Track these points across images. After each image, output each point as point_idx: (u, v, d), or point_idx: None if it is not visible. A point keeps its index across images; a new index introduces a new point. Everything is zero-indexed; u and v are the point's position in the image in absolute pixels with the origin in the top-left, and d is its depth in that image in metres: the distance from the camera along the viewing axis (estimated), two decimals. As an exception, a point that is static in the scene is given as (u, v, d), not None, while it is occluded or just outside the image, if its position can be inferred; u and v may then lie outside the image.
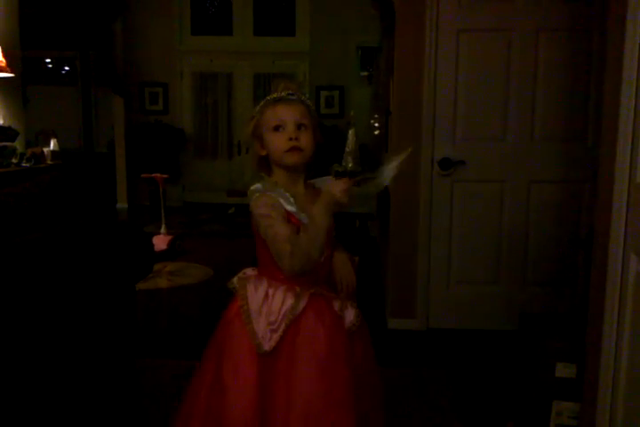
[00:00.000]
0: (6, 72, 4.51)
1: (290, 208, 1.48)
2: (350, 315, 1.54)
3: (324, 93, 7.87)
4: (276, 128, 1.50)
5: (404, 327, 3.37)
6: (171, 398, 2.45)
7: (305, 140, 1.50)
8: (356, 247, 2.83)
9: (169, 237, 5.11)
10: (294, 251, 1.40)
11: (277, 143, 1.49)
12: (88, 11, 7.06)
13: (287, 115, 1.50)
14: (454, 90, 3.28)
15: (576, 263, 3.21)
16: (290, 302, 1.47)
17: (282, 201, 1.48)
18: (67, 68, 9.07)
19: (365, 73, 7.84)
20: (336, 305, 1.53)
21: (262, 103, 1.54)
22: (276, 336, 1.44)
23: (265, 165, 1.56)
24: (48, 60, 9.01)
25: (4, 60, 4.49)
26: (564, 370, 2.09)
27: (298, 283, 1.49)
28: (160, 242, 4.90)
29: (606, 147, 1.87)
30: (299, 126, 1.50)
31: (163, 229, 5.17)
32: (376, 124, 6.22)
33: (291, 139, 1.48)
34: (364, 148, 6.13)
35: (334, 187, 1.44)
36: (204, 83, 8.12)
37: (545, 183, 3.31)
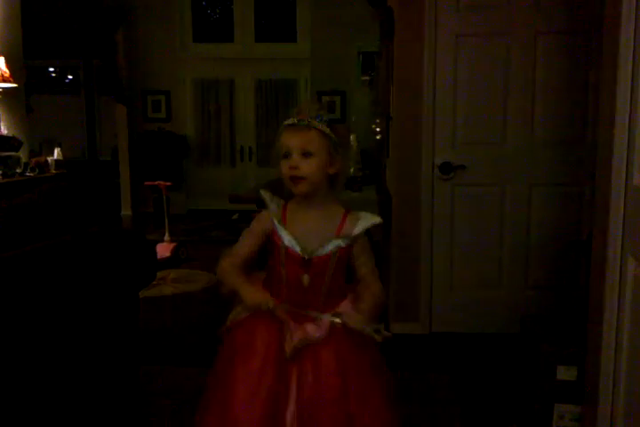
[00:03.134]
0: (10, 82, 4.55)
1: (279, 230, 1.54)
2: (313, 328, 1.52)
3: (325, 99, 7.88)
4: (285, 155, 1.52)
5: (407, 331, 3.37)
6: (174, 405, 2.47)
7: (308, 167, 1.50)
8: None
9: (173, 245, 5.12)
10: (221, 265, 1.58)
11: (284, 171, 1.52)
12: (91, 20, 7.12)
13: (292, 142, 1.51)
14: (454, 94, 3.29)
15: (577, 266, 3.21)
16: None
17: (275, 223, 1.55)
18: (70, 77, 9.14)
19: (366, 78, 7.86)
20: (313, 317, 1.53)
21: (280, 128, 1.56)
22: None
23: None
24: (51, 70, 9.07)
25: (7, 71, 4.53)
26: (565, 373, 2.10)
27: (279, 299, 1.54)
28: (164, 249, 4.92)
29: (603, 150, 1.88)
30: (304, 154, 1.50)
31: (166, 237, 5.19)
32: (377, 129, 6.23)
33: (291, 168, 1.50)
34: (365, 153, 6.17)
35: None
36: (207, 89, 8.16)
37: (545, 186, 3.32)
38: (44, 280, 1.63)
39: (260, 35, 8.10)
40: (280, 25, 8.17)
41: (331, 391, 1.49)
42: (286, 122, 1.54)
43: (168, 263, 4.87)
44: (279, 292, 1.56)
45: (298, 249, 1.53)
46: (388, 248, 3.54)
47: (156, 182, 5.29)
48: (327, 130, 1.52)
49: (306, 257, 1.52)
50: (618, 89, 1.73)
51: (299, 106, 1.56)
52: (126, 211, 7.78)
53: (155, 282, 3.56)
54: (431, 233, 3.37)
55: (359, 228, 1.55)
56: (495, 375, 2.84)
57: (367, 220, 1.57)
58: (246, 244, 1.60)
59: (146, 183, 5.47)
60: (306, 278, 1.53)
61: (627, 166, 1.71)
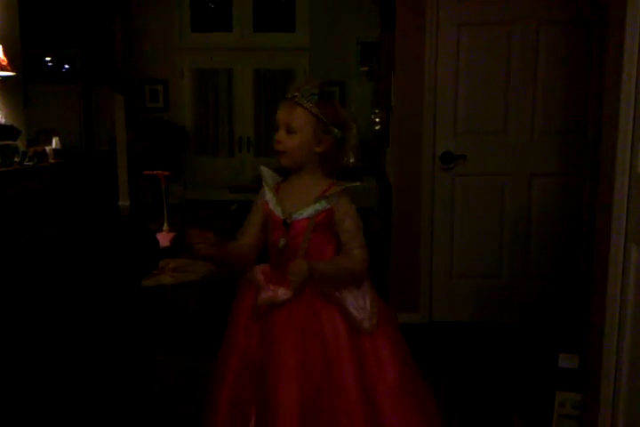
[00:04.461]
0: (7, 71, 4.52)
1: (268, 198, 1.60)
2: (283, 291, 1.53)
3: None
4: (276, 129, 1.56)
5: (408, 321, 3.36)
6: (175, 392, 2.48)
7: (289, 142, 1.53)
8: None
9: (171, 234, 5.12)
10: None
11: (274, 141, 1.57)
12: (88, 9, 7.06)
13: (280, 116, 1.55)
14: (455, 84, 3.28)
15: (578, 255, 3.22)
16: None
17: (267, 191, 1.61)
18: (67, 66, 9.07)
19: (366, 68, 7.83)
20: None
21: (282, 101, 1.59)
22: None
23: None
24: (48, 59, 9.01)
25: (5, 59, 4.50)
26: (566, 361, 2.11)
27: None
28: (163, 239, 4.90)
29: (607, 138, 1.88)
30: (288, 130, 1.54)
31: (165, 227, 5.19)
32: (377, 120, 6.22)
33: (275, 141, 1.55)
34: (364, 143, 6.14)
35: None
36: (205, 79, 8.11)
37: (546, 176, 3.32)
38: (47, 268, 1.62)
39: (259, 24, 8.05)
40: (279, 15, 8.13)
41: (282, 356, 1.50)
42: (287, 95, 1.57)
43: (167, 253, 4.87)
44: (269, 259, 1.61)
45: (279, 212, 1.56)
46: (389, 238, 3.55)
47: (155, 172, 5.28)
48: (314, 109, 1.52)
49: (287, 220, 1.55)
50: (622, 77, 1.73)
51: (297, 81, 1.60)
52: (124, 201, 7.76)
53: (154, 272, 3.56)
54: (432, 223, 3.37)
55: (336, 188, 1.55)
56: (496, 364, 2.85)
57: (346, 184, 1.57)
58: (251, 222, 1.64)
59: (144, 173, 5.46)
60: (282, 241, 1.55)
61: (631, 154, 1.71)
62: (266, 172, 1.63)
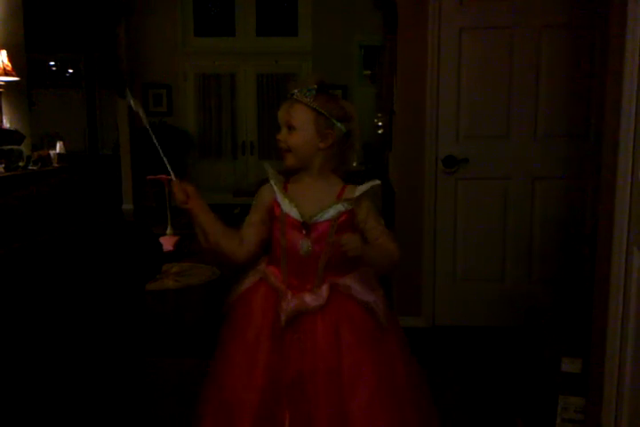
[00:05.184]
0: (12, 76, 4.55)
1: (279, 198, 1.53)
2: (310, 298, 1.49)
3: (327, 93, 7.88)
4: (280, 128, 1.54)
5: (410, 325, 3.37)
6: (177, 396, 2.48)
7: (291, 139, 1.50)
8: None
9: (175, 238, 5.13)
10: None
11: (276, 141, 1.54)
12: (92, 13, 7.10)
13: (280, 116, 1.53)
14: (457, 88, 3.29)
15: (581, 259, 3.22)
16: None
17: (276, 191, 1.54)
18: (71, 70, 9.11)
19: (368, 72, 7.84)
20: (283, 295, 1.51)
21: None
22: None
23: None
24: (52, 64, 9.05)
25: (9, 64, 4.53)
26: (569, 365, 2.11)
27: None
28: (166, 243, 4.92)
29: (608, 142, 1.88)
30: (289, 127, 1.51)
31: (169, 230, 5.20)
32: (379, 124, 6.23)
33: (277, 140, 1.53)
34: (367, 147, 6.14)
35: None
36: (208, 84, 8.14)
37: (549, 180, 3.32)
38: (51, 272, 1.63)
39: (262, 29, 8.08)
40: (281, 19, 8.15)
41: (325, 362, 1.46)
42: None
43: (171, 257, 4.88)
44: (279, 264, 1.54)
45: (296, 214, 1.50)
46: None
47: (159, 176, 5.28)
48: (313, 103, 1.49)
49: (307, 222, 1.49)
50: (624, 81, 1.73)
51: (297, 80, 1.56)
52: (128, 205, 7.78)
53: (158, 276, 3.57)
54: (434, 227, 3.37)
55: (360, 189, 1.51)
56: (499, 368, 2.85)
57: (366, 184, 1.53)
58: (250, 222, 1.58)
59: (148, 177, 5.47)
60: (306, 244, 1.49)
61: (632, 158, 1.71)
62: (270, 170, 1.57)
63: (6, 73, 4.49)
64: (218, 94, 8.18)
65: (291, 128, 1.50)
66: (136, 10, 7.55)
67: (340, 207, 1.50)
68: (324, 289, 1.49)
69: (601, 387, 1.82)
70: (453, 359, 2.98)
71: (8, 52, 4.55)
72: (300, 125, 1.50)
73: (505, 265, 3.39)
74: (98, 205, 2.08)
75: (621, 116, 1.74)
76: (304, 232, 1.50)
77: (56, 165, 4.95)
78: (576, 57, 3.20)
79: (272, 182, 1.55)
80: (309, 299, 1.48)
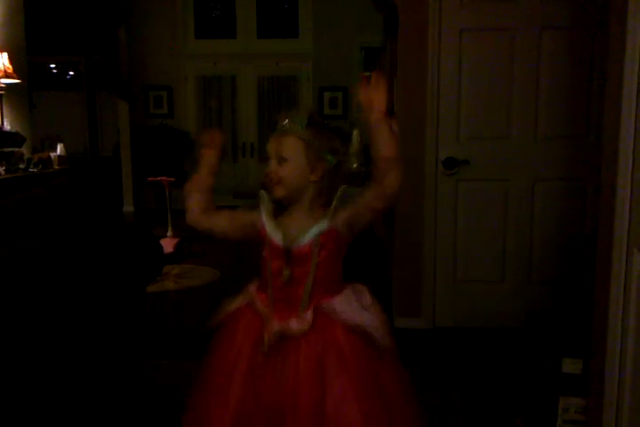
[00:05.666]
0: (13, 78, 4.56)
1: (265, 221, 1.51)
2: (294, 322, 1.46)
3: (327, 95, 7.89)
4: (269, 161, 1.51)
5: (411, 326, 3.38)
6: (177, 399, 2.48)
7: (282, 171, 1.47)
8: (360, 247, 2.84)
9: (175, 240, 5.14)
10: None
11: (264, 174, 1.51)
12: (93, 16, 7.11)
13: (270, 148, 1.50)
14: (458, 89, 3.29)
15: (581, 260, 3.22)
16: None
17: (264, 214, 1.52)
18: (71, 73, 9.12)
19: (368, 73, 7.85)
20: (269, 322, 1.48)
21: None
22: None
23: None
24: (53, 66, 9.05)
25: (10, 67, 4.53)
26: (570, 366, 2.11)
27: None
28: (167, 245, 4.93)
29: (609, 143, 1.88)
30: (279, 160, 1.48)
31: (169, 232, 5.21)
32: (380, 125, 6.22)
33: (266, 173, 1.49)
34: (368, 148, 6.16)
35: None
36: (208, 86, 8.16)
37: (549, 181, 3.32)
38: (52, 274, 1.63)
39: (262, 31, 8.09)
40: (282, 21, 8.17)
41: (306, 393, 1.41)
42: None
43: (171, 259, 4.88)
44: (266, 289, 1.52)
45: (278, 237, 1.48)
46: (392, 243, 3.55)
47: (160, 178, 5.29)
48: (304, 135, 1.46)
49: (287, 247, 1.46)
50: (624, 82, 1.73)
51: (286, 112, 1.51)
52: (128, 207, 7.79)
53: (158, 277, 3.57)
54: (435, 228, 3.37)
55: (333, 204, 1.47)
56: (500, 369, 2.85)
57: (336, 195, 1.48)
58: (232, 212, 1.59)
59: (149, 179, 5.48)
60: (286, 273, 1.47)
61: (633, 159, 1.71)
62: (265, 196, 1.54)
63: (7, 75, 4.50)
64: (218, 96, 8.20)
65: (281, 160, 1.47)
66: (137, 12, 7.57)
67: (318, 228, 1.46)
68: (309, 313, 1.46)
69: (602, 388, 1.82)
70: (454, 361, 2.98)
71: (9, 55, 4.55)
72: (292, 157, 1.47)
73: (505, 266, 3.39)
74: (98, 207, 2.08)
75: (621, 117, 1.75)
76: (285, 258, 1.47)
77: (57, 167, 4.96)
78: (576, 58, 3.21)
79: (262, 205, 1.53)
80: (293, 323, 1.45)
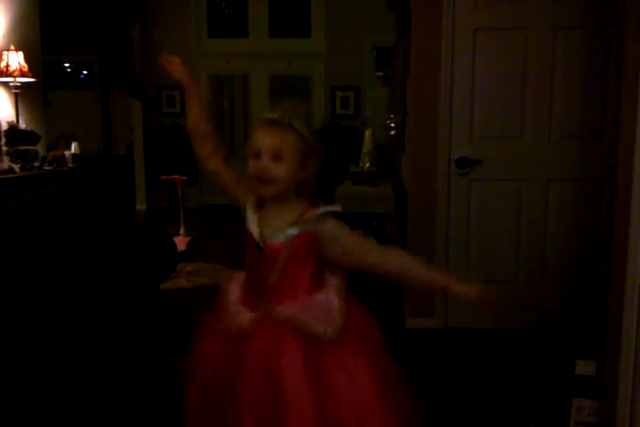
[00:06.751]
0: (28, 77, 4.60)
1: (249, 215, 1.49)
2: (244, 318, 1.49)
3: (339, 94, 7.89)
4: (256, 155, 1.42)
5: (423, 326, 3.37)
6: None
7: (278, 171, 1.39)
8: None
9: (188, 238, 5.16)
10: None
11: (251, 171, 1.43)
12: (106, 15, 7.15)
13: (265, 142, 1.41)
14: (471, 89, 3.28)
15: (595, 261, 3.20)
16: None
17: (248, 207, 1.49)
18: (85, 72, 9.18)
19: (381, 73, 7.84)
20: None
21: (258, 122, 1.46)
22: None
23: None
24: (67, 65, 9.13)
25: (25, 66, 4.57)
26: (584, 367, 2.09)
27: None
28: (179, 243, 4.95)
29: (625, 143, 1.87)
30: (275, 157, 1.39)
31: (181, 231, 5.23)
32: (392, 125, 6.22)
33: (259, 170, 1.41)
34: (380, 148, 6.15)
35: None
36: (221, 85, 8.18)
37: (563, 182, 3.30)
38: (66, 272, 1.64)
39: (275, 30, 8.10)
40: (294, 20, 8.17)
41: (264, 365, 1.41)
42: (266, 115, 1.43)
43: (183, 257, 4.90)
44: (244, 280, 1.55)
45: (256, 232, 1.45)
46: (404, 243, 3.54)
47: (172, 177, 5.32)
48: (307, 134, 1.40)
49: (260, 243, 1.44)
50: (640, 82, 1.72)
51: (280, 103, 1.45)
52: (141, 205, 7.83)
53: (171, 275, 3.59)
54: (447, 228, 3.36)
55: (315, 212, 1.42)
56: (512, 370, 2.84)
57: (325, 207, 1.43)
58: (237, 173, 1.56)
59: (162, 177, 5.50)
60: (257, 265, 1.47)
61: (649, 160, 1.70)
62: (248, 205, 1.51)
63: (23, 74, 4.54)
64: (231, 95, 8.22)
65: (277, 158, 1.39)
66: (150, 12, 7.60)
67: (292, 231, 1.42)
68: (262, 314, 1.45)
69: (615, 390, 1.81)
70: (466, 361, 2.97)
71: (24, 54, 4.60)
72: (290, 156, 1.40)
73: (518, 267, 3.37)
74: (112, 206, 2.09)
75: (638, 117, 1.73)
76: (258, 254, 1.45)
77: (71, 165, 5.00)
78: (591, 58, 3.18)
79: (248, 201, 1.50)
80: (247, 319, 1.46)
